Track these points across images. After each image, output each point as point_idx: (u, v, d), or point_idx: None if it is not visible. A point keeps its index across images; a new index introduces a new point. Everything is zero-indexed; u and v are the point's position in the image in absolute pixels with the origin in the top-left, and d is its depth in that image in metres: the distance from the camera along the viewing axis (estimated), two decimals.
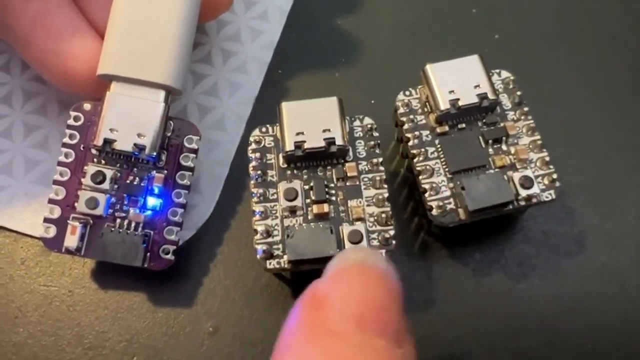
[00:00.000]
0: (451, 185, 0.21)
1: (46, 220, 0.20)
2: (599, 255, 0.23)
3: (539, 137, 0.22)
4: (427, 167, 0.21)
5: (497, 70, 0.22)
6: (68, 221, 0.20)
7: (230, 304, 0.22)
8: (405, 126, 0.22)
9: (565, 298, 0.22)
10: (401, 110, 0.22)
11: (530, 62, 0.27)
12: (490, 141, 0.21)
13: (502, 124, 0.22)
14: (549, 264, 0.23)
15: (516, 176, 0.21)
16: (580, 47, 0.27)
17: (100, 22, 0.22)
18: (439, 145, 0.22)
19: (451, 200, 0.21)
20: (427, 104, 0.22)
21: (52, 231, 0.20)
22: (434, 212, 0.21)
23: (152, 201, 0.21)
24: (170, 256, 0.21)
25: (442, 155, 0.21)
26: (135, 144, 0.20)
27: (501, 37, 0.27)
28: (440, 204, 0.21)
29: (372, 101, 0.26)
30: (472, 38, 0.27)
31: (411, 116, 0.22)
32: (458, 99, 0.21)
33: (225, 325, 0.22)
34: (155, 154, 0.20)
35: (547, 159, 0.21)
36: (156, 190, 0.21)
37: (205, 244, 0.23)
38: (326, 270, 0.16)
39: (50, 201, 0.21)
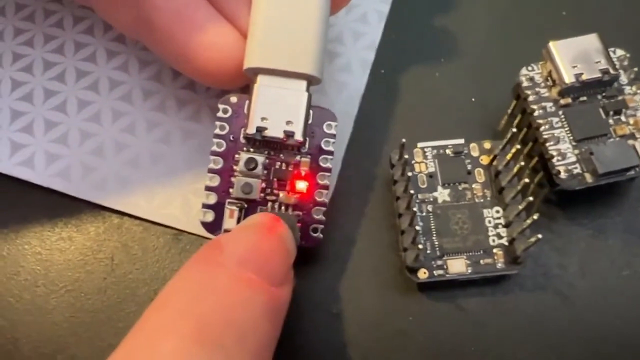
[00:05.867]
0: (577, 151, 0.22)
1: (204, 206, 0.22)
2: None
3: None
4: (553, 135, 0.23)
5: (612, 49, 0.24)
6: (226, 206, 0.21)
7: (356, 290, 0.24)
8: (530, 98, 0.23)
9: None
10: (525, 84, 0.23)
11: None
12: (610, 112, 0.23)
13: (620, 97, 0.23)
14: None
15: (637, 144, 0.22)
16: None
17: (233, 17, 0.23)
18: (562, 116, 0.23)
19: (577, 165, 0.22)
20: (549, 78, 0.23)
21: (210, 216, 0.22)
22: (562, 175, 0.22)
23: (300, 184, 0.22)
24: (319, 234, 0.22)
25: (566, 125, 0.23)
26: (285, 131, 0.21)
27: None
28: (568, 168, 0.22)
29: (473, 99, 0.27)
30: (567, 33, 0.26)
31: (535, 89, 0.23)
32: (581, 74, 0.22)
33: (348, 309, 0.23)
34: (303, 139, 0.21)
35: None
36: (303, 174, 0.22)
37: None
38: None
39: (207, 188, 0.22)
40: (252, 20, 0.22)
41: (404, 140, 0.23)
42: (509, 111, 0.25)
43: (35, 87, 0.26)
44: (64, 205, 0.25)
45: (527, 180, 0.22)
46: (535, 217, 0.21)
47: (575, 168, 0.22)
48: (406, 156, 0.23)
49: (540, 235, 0.21)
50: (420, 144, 0.24)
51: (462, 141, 0.24)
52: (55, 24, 0.28)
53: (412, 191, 0.22)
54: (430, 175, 0.24)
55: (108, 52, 0.27)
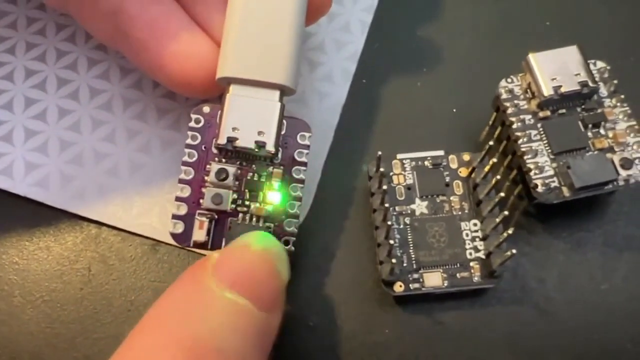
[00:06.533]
0: (554, 165, 0.22)
1: (174, 216, 0.21)
2: None
3: (635, 122, 0.23)
4: (531, 148, 0.22)
5: (593, 61, 0.23)
6: (196, 217, 0.21)
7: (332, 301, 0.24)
8: (509, 110, 0.23)
9: None
10: (504, 96, 0.23)
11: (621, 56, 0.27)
12: (589, 125, 0.23)
13: (600, 110, 0.23)
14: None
15: (616, 158, 0.22)
16: None
17: (208, 26, 0.22)
18: (541, 129, 0.23)
19: (555, 178, 0.22)
20: (528, 90, 0.23)
21: (180, 227, 0.21)
22: (539, 189, 0.22)
23: (272, 196, 0.22)
24: (290, 247, 0.22)
25: (544, 138, 0.22)
26: (256, 142, 0.21)
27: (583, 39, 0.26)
28: (545, 182, 0.22)
29: (454, 110, 0.27)
30: (551, 44, 0.24)
31: (515, 101, 0.23)
32: (560, 86, 0.22)
33: (325, 321, 0.23)
34: (275, 150, 0.21)
35: None
36: (275, 186, 0.21)
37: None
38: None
39: (178, 199, 0.21)
40: (225, 30, 0.21)
41: (380, 152, 0.22)
42: (490, 123, 0.24)
43: (15, 95, 0.26)
44: (42, 215, 0.25)
45: (502, 194, 0.21)
46: (510, 231, 0.21)
47: (553, 182, 0.22)
48: (382, 169, 0.22)
49: (514, 251, 0.20)
50: (399, 156, 0.24)
51: (441, 153, 0.24)
52: (37, 32, 0.28)
53: (387, 204, 0.22)
54: (409, 187, 0.24)
55: (89, 60, 0.27)
